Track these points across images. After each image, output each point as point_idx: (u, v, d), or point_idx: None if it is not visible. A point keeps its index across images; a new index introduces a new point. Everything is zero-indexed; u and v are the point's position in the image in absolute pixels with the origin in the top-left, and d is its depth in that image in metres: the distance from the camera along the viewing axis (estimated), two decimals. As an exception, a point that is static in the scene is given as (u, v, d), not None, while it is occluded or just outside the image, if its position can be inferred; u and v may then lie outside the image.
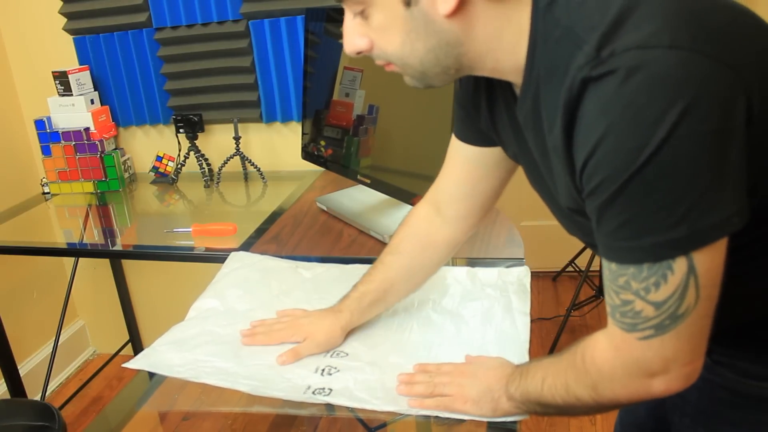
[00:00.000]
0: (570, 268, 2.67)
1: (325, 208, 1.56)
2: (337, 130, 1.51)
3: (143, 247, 1.58)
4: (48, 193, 2.01)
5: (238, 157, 1.95)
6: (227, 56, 1.94)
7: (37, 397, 2.16)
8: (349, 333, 1.01)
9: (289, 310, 1.08)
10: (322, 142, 1.58)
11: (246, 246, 1.39)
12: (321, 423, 0.92)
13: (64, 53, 2.07)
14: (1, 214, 1.91)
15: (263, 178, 1.95)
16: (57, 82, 1.92)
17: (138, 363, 0.98)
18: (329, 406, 0.88)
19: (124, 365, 0.98)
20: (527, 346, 0.96)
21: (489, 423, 0.81)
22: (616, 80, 0.53)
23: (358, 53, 0.70)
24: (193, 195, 1.92)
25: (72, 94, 1.92)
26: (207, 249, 1.45)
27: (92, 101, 1.98)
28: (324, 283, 1.18)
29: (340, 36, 1.50)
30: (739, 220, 0.55)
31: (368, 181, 1.43)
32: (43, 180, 2.01)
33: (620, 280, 0.59)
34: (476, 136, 0.88)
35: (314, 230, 1.47)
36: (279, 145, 2.04)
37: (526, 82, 0.65)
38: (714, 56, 0.53)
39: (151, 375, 0.97)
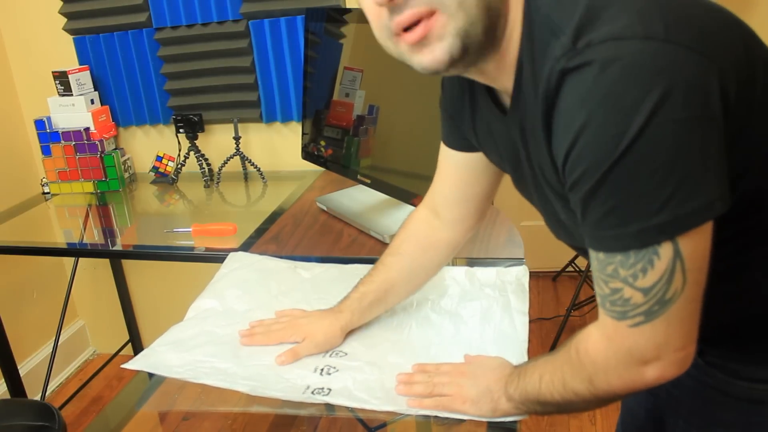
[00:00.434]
0: (570, 268, 2.67)
1: (325, 208, 1.56)
2: (337, 130, 1.52)
3: (143, 247, 1.58)
4: (48, 193, 2.01)
5: (238, 157, 1.95)
6: (227, 56, 1.94)
7: (37, 397, 2.16)
8: (349, 333, 1.01)
9: (288, 310, 1.08)
10: (322, 142, 1.58)
11: (246, 246, 1.39)
12: (321, 423, 0.92)
13: (64, 53, 2.07)
14: (1, 214, 1.91)
15: (263, 178, 1.95)
16: (57, 82, 1.92)
17: (137, 363, 0.98)
18: (329, 406, 0.88)
19: (123, 366, 0.98)
20: (526, 345, 0.96)
21: (489, 423, 0.81)
22: (593, 71, 0.54)
23: None
24: (193, 195, 1.93)
25: (72, 94, 1.92)
26: (207, 249, 1.45)
27: (92, 101, 1.98)
28: (323, 284, 1.18)
29: (340, 36, 1.51)
30: (722, 204, 0.56)
31: (368, 181, 1.43)
32: (43, 180, 2.01)
33: (608, 269, 0.60)
34: (462, 143, 0.89)
35: (314, 230, 1.47)
36: (279, 145, 2.04)
37: (517, 76, 0.65)
38: (688, 45, 0.54)
39: (151, 375, 0.97)
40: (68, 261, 2.33)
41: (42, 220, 1.90)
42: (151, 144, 2.13)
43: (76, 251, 1.89)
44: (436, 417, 0.83)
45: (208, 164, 2.01)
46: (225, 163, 1.95)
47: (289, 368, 0.94)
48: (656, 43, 0.53)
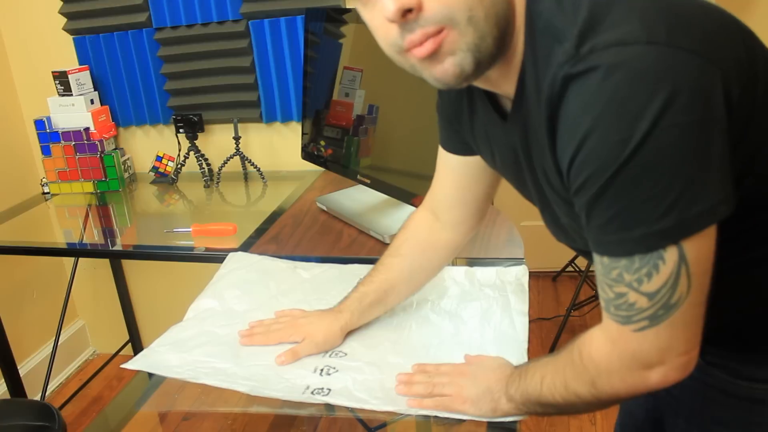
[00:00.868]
0: (570, 268, 2.67)
1: (325, 208, 1.56)
2: (337, 130, 1.51)
3: (143, 247, 1.58)
4: (48, 193, 2.01)
5: (238, 157, 1.95)
6: (227, 56, 1.94)
7: (37, 397, 2.16)
8: (348, 333, 1.01)
9: (288, 310, 1.08)
10: (322, 142, 1.58)
11: (246, 246, 1.39)
12: (321, 423, 0.92)
13: (64, 53, 2.07)
14: (1, 214, 1.91)
15: (263, 178, 1.95)
16: (57, 82, 1.92)
17: (136, 364, 0.98)
18: (329, 406, 0.88)
19: (122, 366, 0.98)
20: (526, 345, 0.96)
21: (489, 423, 0.81)
22: (598, 77, 0.54)
23: (407, 12, 0.58)
24: (193, 195, 1.92)
25: (72, 94, 1.92)
26: (207, 249, 1.45)
27: (92, 101, 1.98)
28: (322, 284, 1.18)
29: (340, 36, 1.51)
30: (726, 207, 0.56)
31: (368, 181, 1.43)
32: (43, 180, 2.01)
33: (613, 273, 0.60)
34: (460, 146, 0.89)
35: (314, 230, 1.47)
36: (279, 145, 2.04)
37: (519, 81, 0.65)
38: (690, 49, 0.54)
39: (151, 375, 0.97)
40: (68, 261, 2.33)
41: (42, 220, 1.90)
42: (151, 144, 2.13)
43: (76, 251, 1.89)
44: (436, 417, 0.83)
45: (208, 164, 2.01)
46: (225, 163, 1.95)
47: (288, 368, 0.94)
48: (659, 47, 0.53)
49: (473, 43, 0.60)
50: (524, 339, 0.97)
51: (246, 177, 1.99)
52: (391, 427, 0.88)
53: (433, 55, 0.61)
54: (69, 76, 1.91)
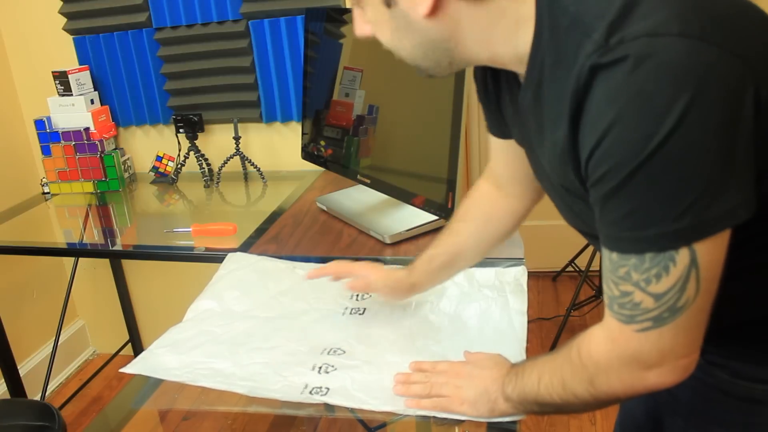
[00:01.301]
0: (570, 268, 2.67)
1: (325, 208, 1.56)
2: (337, 130, 1.51)
3: (143, 247, 1.58)
4: (48, 193, 2.01)
5: (238, 157, 1.95)
6: (227, 56, 1.94)
7: (37, 397, 2.16)
8: (347, 331, 1.01)
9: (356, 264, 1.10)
10: (322, 142, 1.58)
11: (246, 246, 1.39)
12: (321, 423, 0.92)
13: (64, 53, 2.07)
14: (1, 214, 1.91)
15: (263, 178, 1.95)
16: (57, 82, 1.92)
17: (135, 367, 0.98)
18: (329, 406, 0.88)
19: (121, 370, 0.98)
20: (524, 345, 0.96)
21: (489, 423, 0.81)
22: (626, 68, 0.53)
23: (366, 37, 0.71)
24: (193, 195, 1.92)
25: (72, 94, 1.92)
26: (207, 249, 1.45)
27: (92, 101, 1.98)
28: (322, 284, 1.18)
29: (340, 36, 1.51)
30: (745, 212, 0.55)
31: (368, 181, 1.43)
32: (43, 180, 2.01)
33: (621, 271, 0.59)
34: (501, 129, 0.89)
35: (314, 230, 1.47)
36: (279, 145, 2.04)
37: (530, 71, 0.65)
38: (723, 45, 0.53)
39: (151, 375, 0.97)
40: (68, 261, 2.33)
41: (42, 220, 1.90)
42: (151, 144, 2.13)
43: (76, 251, 1.89)
44: (435, 417, 0.83)
45: (208, 164, 2.01)
46: (225, 163, 1.95)
47: (287, 366, 0.94)
48: (692, 41, 0.52)
49: (413, 65, 0.71)
50: (523, 338, 0.97)
51: (246, 177, 1.99)
52: (390, 427, 0.88)
53: None
54: (69, 76, 1.91)
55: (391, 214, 1.44)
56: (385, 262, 1.25)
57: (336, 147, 1.53)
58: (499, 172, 0.98)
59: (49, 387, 2.18)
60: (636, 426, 0.98)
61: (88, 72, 1.99)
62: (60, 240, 1.77)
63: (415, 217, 1.37)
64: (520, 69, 0.67)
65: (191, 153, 1.96)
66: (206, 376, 0.94)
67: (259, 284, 1.19)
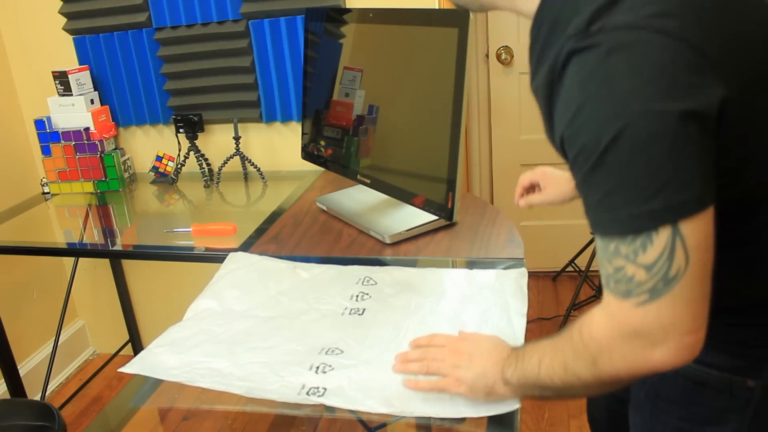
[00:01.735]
0: (570, 268, 2.67)
1: (325, 208, 1.56)
2: (337, 130, 1.51)
3: (143, 247, 1.58)
4: (48, 193, 2.01)
5: (238, 157, 1.95)
6: (227, 56, 1.94)
7: (37, 397, 2.17)
8: (346, 331, 1.01)
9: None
10: (322, 142, 1.58)
11: (246, 246, 1.39)
12: (321, 423, 0.92)
13: (64, 53, 2.07)
14: (1, 214, 1.91)
15: (263, 178, 1.95)
16: (57, 82, 1.92)
17: (134, 367, 0.98)
18: (329, 406, 0.88)
19: (120, 370, 0.98)
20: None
21: (488, 421, 0.81)
22: (599, 55, 0.55)
23: None
24: (193, 195, 1.93)
25: (72, 94, 1.92)
26: (207, 249, 1.45)
27: (92, 101, 1.98)
28: (322, 284, 1.18)
29: (340, 36, 1.51)
30: (711, 198, 0.57)
31: (368, 181, 1.43)
32: (43, 180, 2.01)
33: (610, 247, 0.61)
34: None
35: (314, 230, 1.47)
36: (279, 145, 2.04)
37: (533, 28, 0.68)
38: (697, 45, 0.55)
39: (151, 375, 0.97)
40: (68, 261, 2.33)
41: (42, 220, 1.90)
42: (151, 144, 2.13)
43: (76, 251, 1.88)
44: (435, 418, 0.83)
45: (208, 164, 2.01)
46: (225, 163, 1.95)
47: (284, 366, 0.94)
48: (668, 39, 0.54)
49: None
50: (521, 338, 0.97)
51: (246, 177, 1.99)
52: (390, 427, 0.88)
53: None
54: (69, 76, 1.91)
55: (391, 214, 1.44)
56: (385, 262, 1.25)
57: (336, 147, 1.53)
58: None
59: (49, 387, 2.18)
60: (601, 407, 0.99)
61: (88, 72, 1.99)
62: (60, 240, 1.77)
63: (415, 217, 1.37)
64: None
65: (191, 153, 1.96)
66: (204, 375, 0.94)
67: (260, 284, 1.19)
